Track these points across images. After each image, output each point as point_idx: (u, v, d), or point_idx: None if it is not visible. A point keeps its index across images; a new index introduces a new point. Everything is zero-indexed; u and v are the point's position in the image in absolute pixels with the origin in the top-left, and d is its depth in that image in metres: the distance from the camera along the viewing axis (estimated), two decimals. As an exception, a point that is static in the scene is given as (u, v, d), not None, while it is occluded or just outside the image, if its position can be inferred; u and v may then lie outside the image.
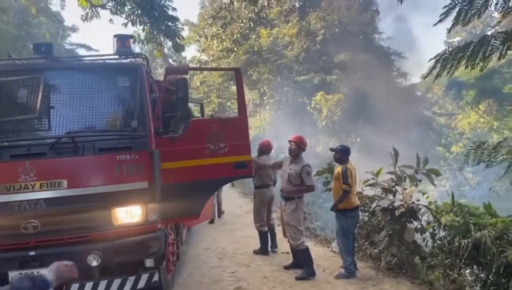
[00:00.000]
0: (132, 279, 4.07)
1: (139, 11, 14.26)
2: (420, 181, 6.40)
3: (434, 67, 5.57)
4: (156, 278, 4.21)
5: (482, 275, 5.11)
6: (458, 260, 4.86)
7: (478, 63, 5.39)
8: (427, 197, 6.13)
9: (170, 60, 35.74)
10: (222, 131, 4.75)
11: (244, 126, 4.95)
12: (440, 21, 5.37)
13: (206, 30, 33.55)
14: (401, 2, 5.65)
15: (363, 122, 25.32)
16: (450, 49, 5.43)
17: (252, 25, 31.13)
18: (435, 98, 33.77)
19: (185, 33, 37.84)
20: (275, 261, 6.66)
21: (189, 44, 36.24)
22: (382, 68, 26.89)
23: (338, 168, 6.01)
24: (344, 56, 26.19)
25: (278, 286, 5.54)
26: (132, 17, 14.43)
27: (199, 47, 35.25)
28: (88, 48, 29.28)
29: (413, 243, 5.88)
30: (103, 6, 14.76)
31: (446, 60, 5.51)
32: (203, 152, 4.62)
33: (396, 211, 5.68)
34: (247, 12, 31.07)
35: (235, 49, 30.46)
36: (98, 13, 14.92)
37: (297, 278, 5.78)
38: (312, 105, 25.19)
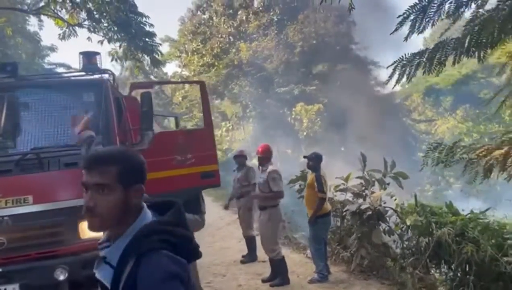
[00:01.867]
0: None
1: (115, 28, 14.37)
2: (388, 184, 6.59)
3: (393, 73, 5.79)
4: None
5: (451, 273, 5.28)
6: (424, 260, 5.00)
7: (435, 68, 5.64)
8: (395, 200, 6.31)
9: (152, 77, 35.87)
10: (189, 142, 4.90)
11: (210, 136, 5.11)
12: (396, 30, 5.62)
13: (186, 46, 33.82)
14: (350, 12, 5.83)
15: (344, 131, 25.69)
16: (407, 56, 5.67)
17: (231, 40, 31.52)
18: (414, 105, 34.41)
19: (165, 49, 38.10)
20: (250, 270, 6.74)
21: (170, 60, 36.48)
22: (360, 77, 27.42)
23: (311, 176, 6.10)
24: (322, 67, 26.73)
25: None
26: (109, 34, 14.55)
27: (180, 62, 35.48)
28: (68, 66, 29.08)
29: (383, 245, 6.05)
30: (80, 25, 14.84)
31: (404, 66, 5.74)
32: (171, 163, 4.74)
33: (364, 214, 5.83)
34: (226, 27, 31.50)
35: (216, 63, 30.77)
36: (75, 31, 14.98)
37: (272, 285, 5.86)
38: (293, 116, 25.47)
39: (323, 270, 5.91)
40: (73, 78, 5.00)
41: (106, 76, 4.91)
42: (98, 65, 5.03)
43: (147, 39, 14.46)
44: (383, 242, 6.04)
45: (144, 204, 1.45)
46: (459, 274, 4.98)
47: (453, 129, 31.35)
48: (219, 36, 31.11)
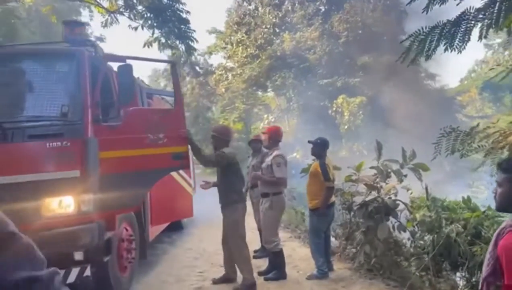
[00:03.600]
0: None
1: (150, 14, 14.36)
2: (405, 176, 5.91)
3: (409, 50, 5.14)
4: (87, 272, 4.03)
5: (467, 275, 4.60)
6: (427, 260, 4.37)
7: (458, 44, 4.93)
8: (411, 193, 5.65)
9: (197, 68, 36.26)
10: (161, 122, 4.70)
11: (181, 117, 4.90)
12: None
13: (232, 37, 33.74)
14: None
15: (389, 125, 24.45)
16: (425, 29, 4.99)
17: (276, 30, 31.04)
18: (468, 100, 32.29)
19: (212, 40, 38.47)
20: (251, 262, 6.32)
21: (216, 51, 36.65)
22: (408, 69, 25.93)
23: (315, 164, 5.59)
24: (368, 58, 25.50)
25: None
26: (148, 22, 14.58)
27: (225, 54, 35.49)
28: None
29: (394, 242, 5.43)
30: (120, 12, 15.00)
31: (423, 42, 5.08)
32: (144, 142, 4.48)
33: (369, 207, 5.24)
34: (271, 17, 31.04)
35: (260, 54, 30.40)
36: (117, 19, 15.17)
37: (266, 279, 5.44)
38: (334, 109, 24.59)
39: (323, 266, 5.39)
40: (47, 47, 4.80)
41: (86, 47, 4.68)
42: (82, 36, 4.84)
43: (182, 26, 14.36)
44: (394, 239, 5.42)
45: None
46: (473, 279, 4.31)
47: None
48: (263, 26, 30.69)
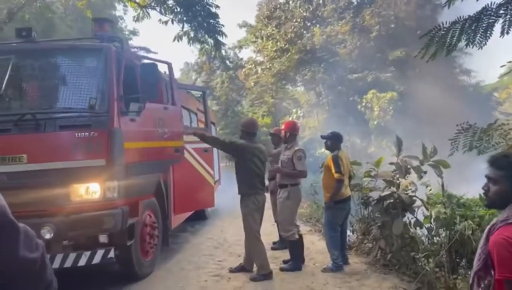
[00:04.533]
0: (87, 254, 4.20)
1: (180, 9, 14.60)
2: (425, 172, 5.87)
3: (429, 45, 5.10)
4: (111, 255, 4.29)
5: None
6: (439, 257, 4.36)
7: (480, 39, 4.86)
8: (430, 190, 5.61)
9: (227, 61, 36.53)
10: (165, 117, 5.15)
11: (178, 115, 5.48)
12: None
13: (262, 31, 33.79)
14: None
15: (420, 122, 23.95)
16: (445, 25, 4.94)
17: (307, 24, 30.85)
18: (507, 96, 31.13)
19: (242, 34, 38.66)
20: (268, 253, 6.44)
21: (247, 45, 36.80)
22: (442, 65, 25.26)
23: (328, 157, 5.68)
24: (400, 52, 24.99)
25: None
26: (178, 16, 14.84)
27: (255, 48, 35.59)
28: (147, 50, 30.80)
29: (410, 237, 5.43)
30: (152, 7, 15.34)
31: (443, 37, 5.03)
32: (156, 135, 4.95)
33: (385, 203, 5.25)
34: (301, 11, 30.88)
35: (290, 48, 30.32)
36: (148, 13, 15.54)
37: (281, 269, 5.55)
38: (363, 104, 24.30)
39: (338, 259, 5.45)
40: (77, 43, 5.11)
41: (110, 44, 4.89)
42: (110, 32, 5.09)
43: (211, 21, 14.55)
44: (411, 235, 5.42)
45: None
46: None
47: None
48: (294, 20, 30.57)
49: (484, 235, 2.02)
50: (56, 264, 4.10)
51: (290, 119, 30.07)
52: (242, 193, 5.23)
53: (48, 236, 4.03)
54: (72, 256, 4.15)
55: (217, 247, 6.87)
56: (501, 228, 1.94)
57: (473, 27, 4.76)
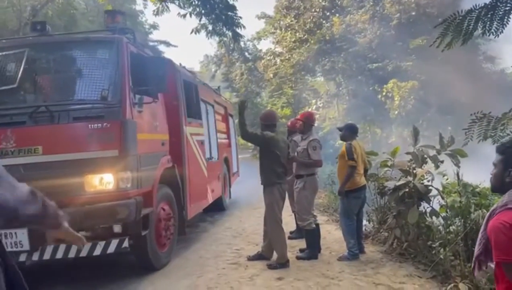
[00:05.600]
0: (102, 243, 4.26)
1: (198, 2, 14.68)
2: (442, 162, 5.85)
3: (444, 34, 5.06)
4: (126, 244, 4.34)
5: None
6: (452, 245, 4.38)
7: (497, 28, 4.80)
8: (446, 179, 5.60)
9: (246, 53, 36.56)
10: (155, 111, 5.25)
11: (163, 109, 5.58)
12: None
13: (281, 22, 33.62)
14: None
15: (442, 111, 23.54)
16: (461, 13, 4.89)
17: (326, 13, 30.53)
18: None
19: (261, 26, 38.46)
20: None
21: (266, 37, 36.70)
22: (465, 52, 24.67)
23: (343, 146, 5.75)
24: (421, 40, 24.47)
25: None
26: (196, 9, 14.94)
27: (274, 39, 35.47)
28: (168, 44, 31.10)
29: (426, 226, 5.44)
30: (171, 1, 15.48)
31: (459, 26, 4.98)
32: (152, 127, 5.19)
33: (400, 192, 5.27)
34: (320, 0, 30.56)
35: (309, 39, 30.09)
36: (167, 7, 15.71)
37: (298, 258, 5.65)
38: (383, 94, 23.99)
39: (354, 247, 5.51)
40: (89, 36, 5.20)
41: (125, 35, 4.95)
42: (121, 24, 5.13)
43: (229, 13, 14.61)
44: (426, 224, 5.43)
45: None
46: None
47: None
48: (313, 10, 30.30)
49: (484, 220, 2.08)
50: (72, 254, 4.23)
51: (310, 110, 30.00)
52: (267, 183, 5.33)
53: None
54: (87, 246, 4.21)
55: (235, 236, 7.02)
56: (500, 213, 2.00)
57: (489, 15, 4.70)
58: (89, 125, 4.23)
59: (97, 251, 4.25)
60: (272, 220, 5.36)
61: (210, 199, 7.92)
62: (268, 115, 5.72)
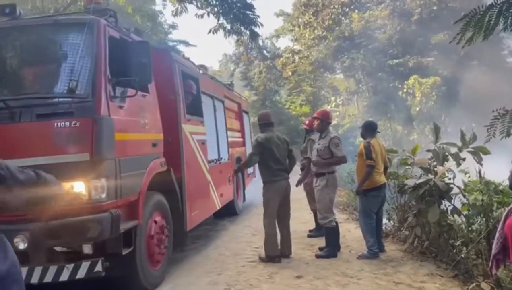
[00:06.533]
0: (70, 267, 3.52)
1: (216, 2, 14.79)
2: (463, 159, 5.76)
3: (464, 30, 4.97)
4: (99, 267, 3.56)
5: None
6: (473, 245, 4.31)
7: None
8: (468, 177, 5.51)
9: (264, 51, 36.53)
10: (144, 106, 4.45)
11: (156, 105, 4.73)
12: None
13: (299, 19, 33.52)
14: None
15: (465, 107, 23.06)
16: (482, 8, 4.79)
17: (345, 10, 30.31)
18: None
19: (279, 23, 38.41)
20: (305, 241, 6.57)
21: (284, 34, 36.65)
22: (489, 47, 24.11)
23: (361, 145, 5.71)
24: (443, 36, 24.04)
25: (293, 262, 5.48)
26: (214, 10, 15.08)
27: (293, 37, 35.40)
28: (187, 43, 31.34)
29: (447, 225, 5.37)
30: (190, 1, 15.64)
31: (480, 21, 4.88)
32: (138, 126, 4.29)
33: (420, 190, 5.21)
34: (339, -4, 30.35)
35: (328, 36, 29.92)
36: (186, 8, 15.87)
37: (317, 256, 5.65)
38: (404, 90, 23.66)
39: (373, 246, 5.47)
40: (58, 18, 4.37)
41: (99, 17, 4.07)
42: (103, 5, 4.40)
43: (247, 12, 14.65)
44: (448, 222, 5.35)
45: None
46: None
47: None
48: (331, 7, 30.11)
49: (502, 219, 2.06)
50: (35, 279, 3.48)
51: (329, 107, 29.82)
52: (264, 180, 5.60)
53: (22, 246, 3.35)
54: (52, 269, 3.51)
55: (255, 235, 7.05)
56: None
57: (511, 10, 4.60)
58: (55, 124, 3.50)
59: (64, 277, 3.51)
60: (266, 214, 5.54)
61: (218, 204, 7.15)
62: (263, 115, 6.03)
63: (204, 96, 6.86)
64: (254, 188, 11.26)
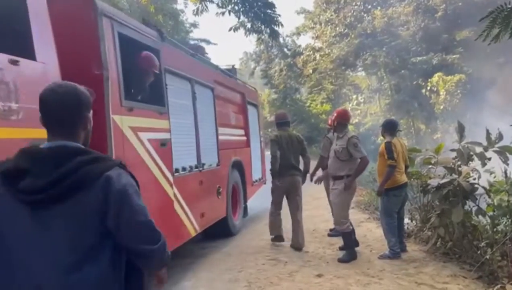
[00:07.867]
0: None
1: (237, 0, 14.84)
2: (489, 159, 5.65)
3: (491, 27, 4.87)
4: None
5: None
6: (498, 246, 4.23)
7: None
8: (494, 177, 5.41)
9: (285, 49, 36.44)
10: (12, 81, 2.89)
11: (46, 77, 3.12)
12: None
13: (320, 17, 33.30)
14: None
15: (492, 106, 22.49)
16: (508, 5, 4.68)
17: (367, 7, 29.96)
18: None
19: (300, 21, 38.24)
20: (325, 239, 6.57)
21: (305, 32, 36.45)
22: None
23: (382, 144, 5.66)
24: (469, 32, 23.50)
25: (314, 261, 5.48)
26: (235, 8, 15.15)
27: (314, 34, 35.16)
28: (208, 42, 31.53)
29: (472, 226, 5.28)
30: (210, 1, 15.76)
31: (507, 18, 4.78)
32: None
33: (444, 190, 5.14)
34: (361, -7, 30.02)
35: (350, 33, 29.64)
36: (207, 7, 16.00)
37: (339, 261, 5.57)
38: (428, 88, 23.24)
39: (395, 246, 5.42)
40: None
41: None
42: None
43: (268, 10, 14.66)
44: (472, 223, 5.27)
45: None
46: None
47: None
48: (353, 4, 29.81)
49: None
50: None
51: (350, 106, 29.57)
52: (272, 175, 6.18)
53: None
54: None
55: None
56: None
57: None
58: None
59: None
60: (272, 203, 6.28)
61: (195, 229, 5.28)
62: (279, 115, 6.57)
63: (171, 77, 4.91)
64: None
